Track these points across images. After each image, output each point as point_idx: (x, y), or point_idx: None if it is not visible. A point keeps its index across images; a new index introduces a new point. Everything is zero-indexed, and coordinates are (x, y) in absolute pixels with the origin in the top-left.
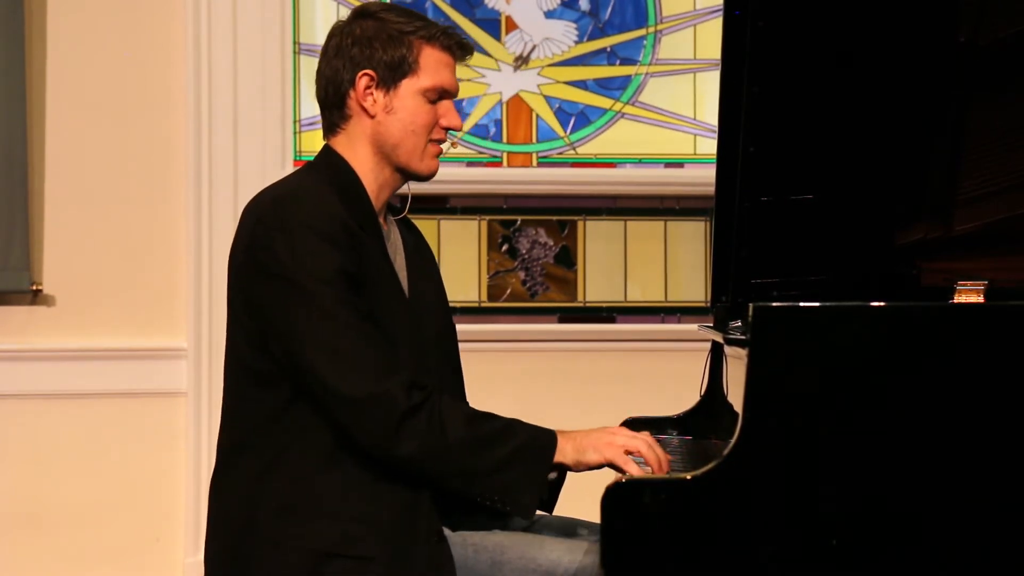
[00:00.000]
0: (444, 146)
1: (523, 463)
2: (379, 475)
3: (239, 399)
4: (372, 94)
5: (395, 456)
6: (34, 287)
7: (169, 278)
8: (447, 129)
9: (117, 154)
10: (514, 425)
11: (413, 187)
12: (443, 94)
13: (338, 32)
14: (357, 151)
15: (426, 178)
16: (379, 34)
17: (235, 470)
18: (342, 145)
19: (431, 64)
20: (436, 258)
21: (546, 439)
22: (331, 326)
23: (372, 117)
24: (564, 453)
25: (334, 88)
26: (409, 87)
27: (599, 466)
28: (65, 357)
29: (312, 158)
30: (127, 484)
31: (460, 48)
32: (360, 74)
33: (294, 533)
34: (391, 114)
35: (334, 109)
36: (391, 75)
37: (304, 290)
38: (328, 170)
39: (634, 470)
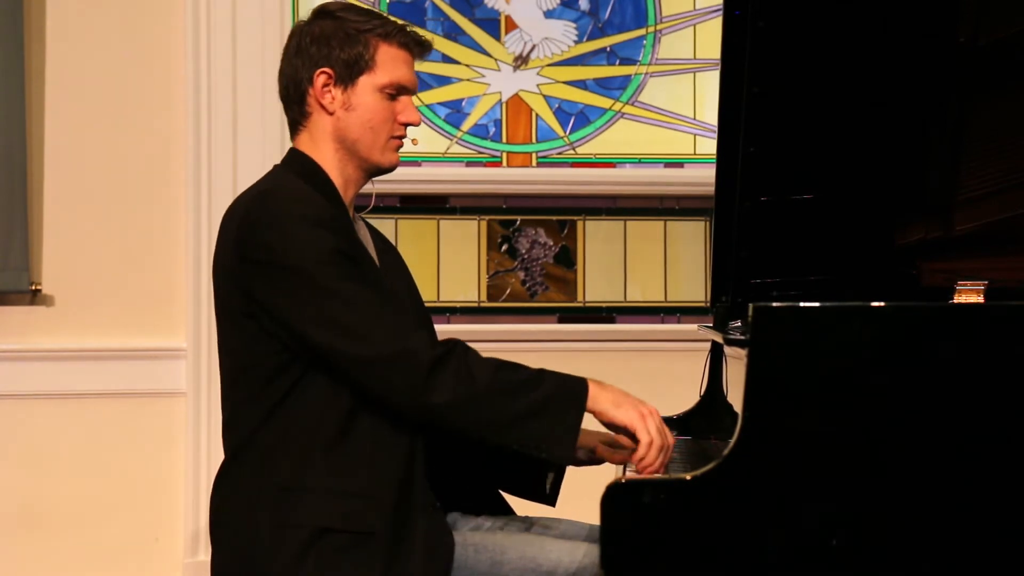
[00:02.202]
0: (404, 140)
1: (556, 408)
2: (374, 453)
3: (238, 402)
4: (330, 91)
5: (428, 407)
6: (33, 287)
7: (169, 278)
8: (406, 124)
9: (117, 154)
10: (543, 373)
11: (410, 187)
12: (401, 90)
13: (298, 32)
14: (321, 149)
15: (388, 170)
16: (337, 32)
17: (236, 467)
18: (306, 145)
19: (388, 61)
20: (435, 257)
21: (577, 385)
22: (339, 301)
23: (331, 114)
24: (597, 400)
25: (294, 86)
26: (367, 84)
27: (619, 426)
28: (64, 357)
29: None
30: (126, 484)
31: (417, 45)
32: (318, 72)
33: (296, 513)
34: (350, 111)
35: (295, 106)
36: (348, 72)
37: (304, 273)
38: (298, 168)
39: (626, 445)
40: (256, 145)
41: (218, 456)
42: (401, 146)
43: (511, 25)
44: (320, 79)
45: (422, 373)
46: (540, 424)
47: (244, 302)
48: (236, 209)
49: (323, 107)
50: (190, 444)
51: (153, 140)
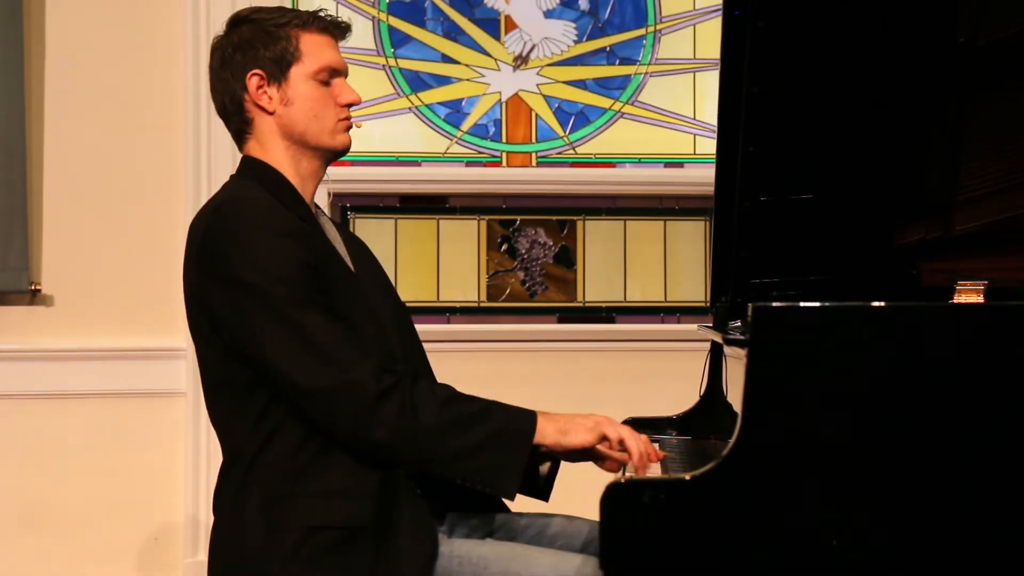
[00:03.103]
0: (352, 121)
1: (501, 445)
2: (363, 455)
3: (222, 413)
4: (265, 91)
5: (369, 442)
6: (33, 287)
7: (169, 278)
8: (348, 105)
9: (116, 154)
10: (491, 408)
11: (410, 187)
12: (333, 73)
13: (219, 46)
14: (270, 151)
15: (342, 153)
16: (256, 34)
17: (228, 476)
18: (256, 151)
19: (313, 48)
20: (434, 257)
21: (525, 421)
22: (292, 325)
23: (271, 113)
24: (544, 434)
25: (230, 98)
26: (298, 75)
27: (580, 449)
28: (64, 357)
29: None
30: (126, 484)
31: (336, 27)
32: (249, 75)
33: (286, 518)
34: (289, 105)
35: (235, 117)
36: (278, 68)
37: (260, 292)
38: (254, 176)
39: (614, 456)
40: None
41: (217, 456)
42: (350, 127)
43: (511, 25)
44: (253, 81)
45: (366, 407)
46: (483, 461)
47: (208, 318)
48: (198, 223)
49: (262, 108)
50: (190, 444)
51: (153, 140)
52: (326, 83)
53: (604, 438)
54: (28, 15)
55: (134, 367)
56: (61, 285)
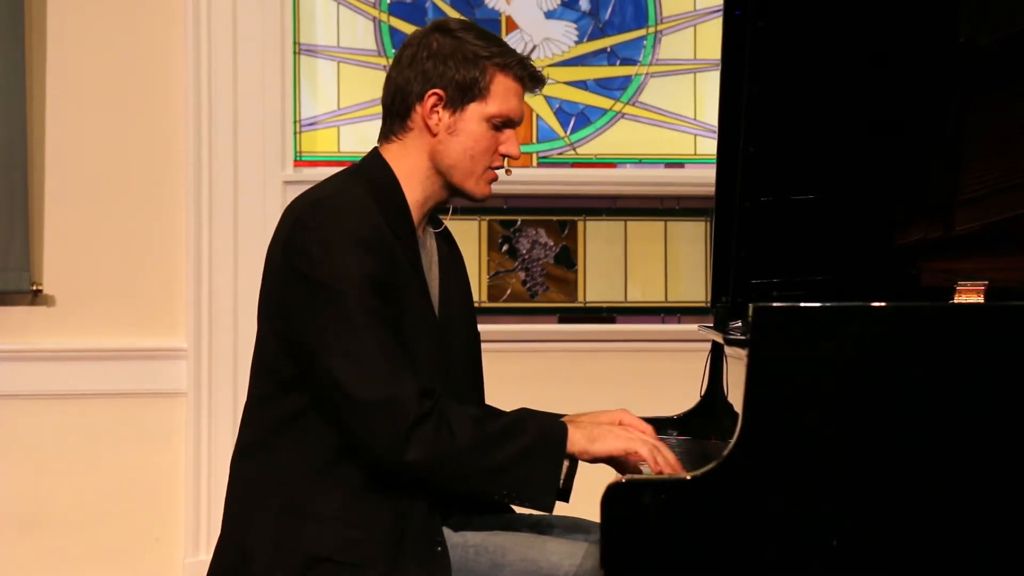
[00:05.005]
0: (499, 172)
1: (535, 459)
2: (380, 483)
3: (259, 400)
4: (438, 112)
5: (404, 463)
6: (34, 287)
7: (169, 278)
8: (505, 156)
9: (117, 154)
10: (523, 421)
11: None
12: (507, 123)
13: (414, 43)
14: (408, 162)
15: (478, 200)
16: (455, 53)
17: (247, 467)
18: (393, 154)
19: (501, 92)
20: None
21: (557, 433)
22: (353, 331)
23: (434, 135)
24: (573, 442)
25: (401, 98)
26: (476, 111)
27: (606, 458)
28: (65, 357)
29: (313, 158)
30: (127, 484)
31: (532, 79)
32: (430, 92)
33: (294, 535)
34: (453, 135)
35: (396, 118)
36: (460, 96)
37: (331, 292)
38: (372, 177)
39: (641, 459)
40: (256, 146)
41: (218, 456)
42: (496, 178)
43: (512, 26)
44: (431, 100)
45: (403, 430)
46: (520, 475)
47: (278, 303)
48: (292, 210)
49: (428, 127)
50: (190, 444)
51: (153, 140)
52: (497, 128)
53: (617, 459)
54: (29, 14)
55: (134, 367)
56: (62, 285)
